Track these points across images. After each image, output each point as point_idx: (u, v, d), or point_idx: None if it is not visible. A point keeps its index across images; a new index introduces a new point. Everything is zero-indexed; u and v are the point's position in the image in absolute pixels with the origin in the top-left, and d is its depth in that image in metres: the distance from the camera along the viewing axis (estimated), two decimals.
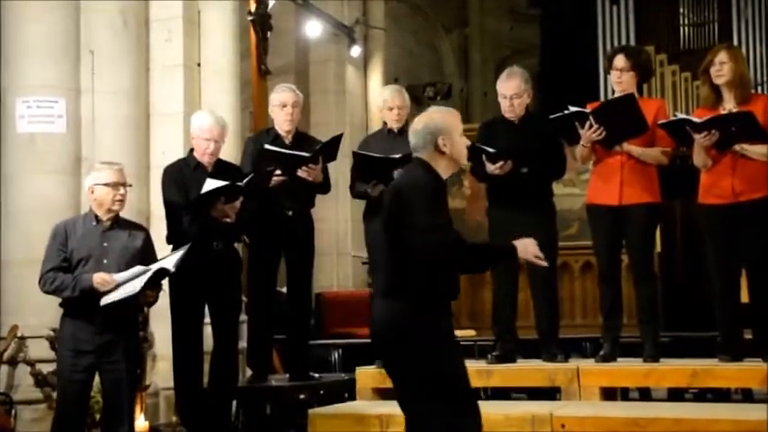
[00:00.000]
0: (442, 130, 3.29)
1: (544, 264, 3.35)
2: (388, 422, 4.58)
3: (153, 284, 4.42)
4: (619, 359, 5.09)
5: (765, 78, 10.93)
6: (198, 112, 5.33)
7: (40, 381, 5.51)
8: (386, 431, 4.57)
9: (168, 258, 4.54)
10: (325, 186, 5.36)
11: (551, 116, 5.07)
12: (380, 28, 10.25)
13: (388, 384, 5.17)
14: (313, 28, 9.23)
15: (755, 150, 4.82)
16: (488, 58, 12.98)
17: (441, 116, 3.35)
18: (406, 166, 3.47)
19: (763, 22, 11.03)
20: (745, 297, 5.10)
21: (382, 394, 5.20)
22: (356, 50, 9.83)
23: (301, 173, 5.10)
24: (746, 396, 5.58)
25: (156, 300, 4.60)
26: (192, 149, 5.07)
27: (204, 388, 4.89)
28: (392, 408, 4.81)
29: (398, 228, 3.16)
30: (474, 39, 13.09)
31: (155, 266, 4.39)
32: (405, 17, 11.76)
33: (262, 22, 7.39)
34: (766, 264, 4.95)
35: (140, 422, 5.13)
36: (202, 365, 4.93)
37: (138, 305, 4.59)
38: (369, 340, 5.41)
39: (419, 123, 3.34)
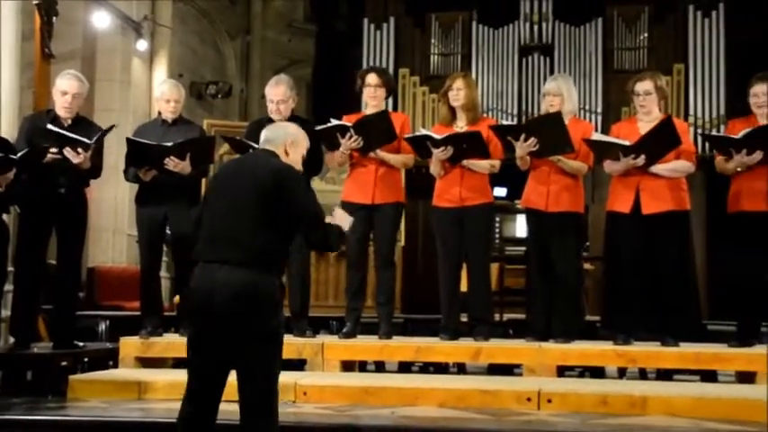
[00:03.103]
0: (295, 140, 3.33)
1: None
2: (146, 388, 4.44)
3: None
4: (359, 336, 5.22)
5: (494, 105, 11.60)
6: None
7: None
8: (143, 397, 4.41)
9: None
10: (94, 172, 5.07)
11: (317, 128, 5.14)
12: (167, 26, 9.87)
13: (150, 354, 5.06)
14: (101, 19, 8.72)
15: (479, 164, 5.14)
16: (268, 64, 12.82)
17: (298, 131, 3.39)
18: (258, 152, 3.34)
19: (497, 57, 11.71)
20: (464, 287, 5.41)
21: (144, 363, 5.04)
22: (143, 44, 9.41)
23: (68, 153, 4.79)
24: (461, 369, 5.90)
25: None
26: None
27: None
28: (151, 375, 4.69)
29: (275, 204, 3.08)
30: (255, 46, 12.90)
31: None
32: (191, 19, 11.40)
33: (47, 7, 6.86)
34: (483, 260, 5.28)
35: None
36: None
37: None
38: (137, 312, 5.31)
39: (283, 125, 3.43)
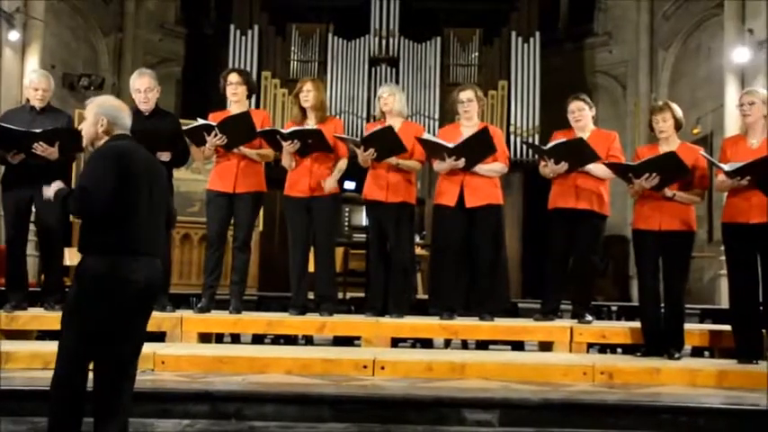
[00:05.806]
0: None
1: None
2: (8, 358, 4.18)
3: None
4: (216, 311, 5.14)
5: (346, 108, 11.69)
6: None
7: None
8: (5, 366, 4.15)
9: None
10: None
11: (185, 128, 5.04)
12: (40, 20, 9.26)
13: (14, 326, 4.77)
14: None
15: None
16: (139, 61, 12.30)
17: None
18: (137, 145, 3.12)
19: (349, 66, 11.81)
20: (313, 268, 5.43)
21: (8, 335, 4.75)
22: (14, 35, 8.79)
23: None
24: (308, 341, 5.89)
25: None
26: None
27: None
28: (13, 346, 4.41)
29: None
30: (128, 44, 12.34)
31: None
32: (65, 15, 10.73)
33: None
34: (328, 244, 5.32)
35: None
36: None
37: None
38: (2, 288, 4.97)
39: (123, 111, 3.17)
